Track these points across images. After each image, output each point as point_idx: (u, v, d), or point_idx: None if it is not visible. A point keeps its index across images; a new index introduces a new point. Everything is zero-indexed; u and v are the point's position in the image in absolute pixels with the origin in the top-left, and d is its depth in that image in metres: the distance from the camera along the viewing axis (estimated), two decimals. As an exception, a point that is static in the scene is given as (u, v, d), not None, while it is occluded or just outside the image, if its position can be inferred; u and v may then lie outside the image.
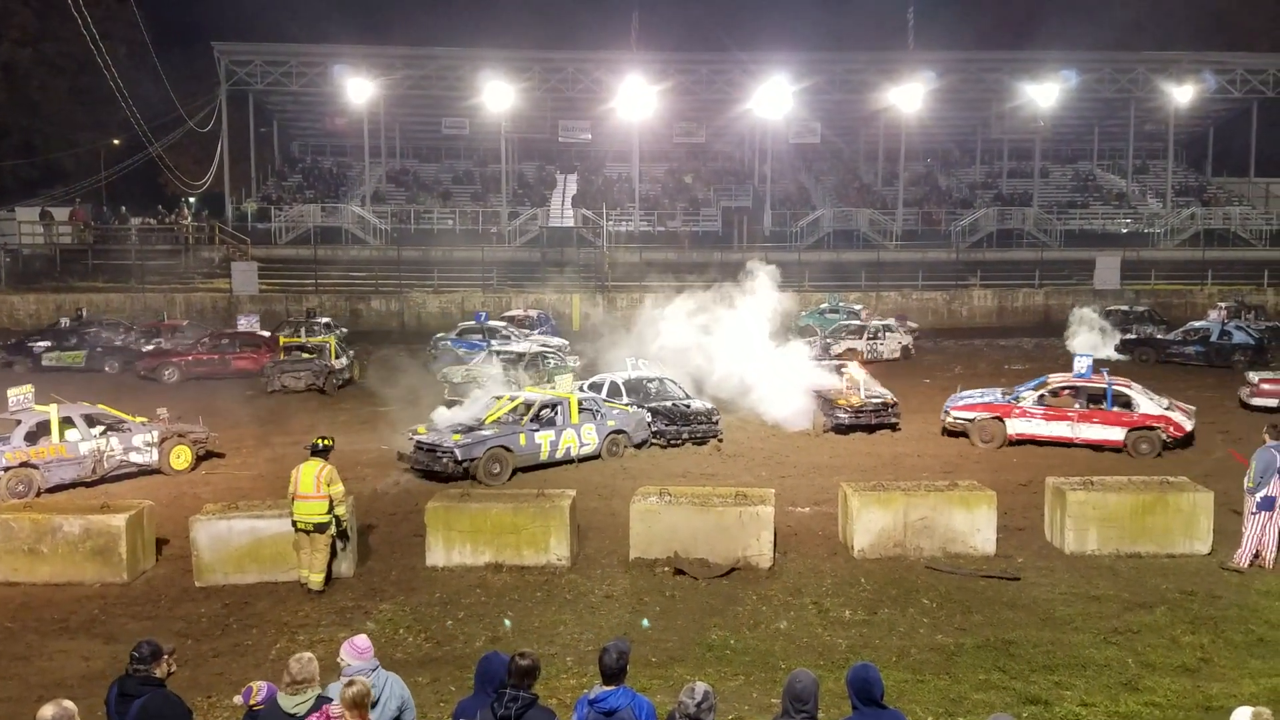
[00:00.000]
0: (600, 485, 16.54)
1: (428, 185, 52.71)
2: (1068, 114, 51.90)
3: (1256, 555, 12.36)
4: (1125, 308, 36.12)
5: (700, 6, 68.22)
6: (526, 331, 31.84)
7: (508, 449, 17.09)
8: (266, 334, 29.89)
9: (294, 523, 11.73)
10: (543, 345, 27.86)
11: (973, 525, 12.96)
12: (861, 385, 21.18)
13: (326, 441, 12.32)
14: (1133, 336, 31.80)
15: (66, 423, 16.45)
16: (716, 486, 14.05)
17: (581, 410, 18.32)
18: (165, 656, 6.27)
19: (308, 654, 6.18)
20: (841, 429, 20.40)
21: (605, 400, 19.53)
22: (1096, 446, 18.84)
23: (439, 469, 16.61)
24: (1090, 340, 31.96)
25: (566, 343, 30.02)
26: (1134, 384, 19.68)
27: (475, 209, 49.05)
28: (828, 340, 30.11)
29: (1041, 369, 22.85)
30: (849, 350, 29.17)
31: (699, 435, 19.80)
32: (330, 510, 11.71)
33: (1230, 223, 49.52)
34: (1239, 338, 29.50)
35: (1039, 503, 14.27)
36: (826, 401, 20.87)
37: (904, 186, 50.43)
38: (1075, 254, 45.24)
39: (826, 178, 54.79)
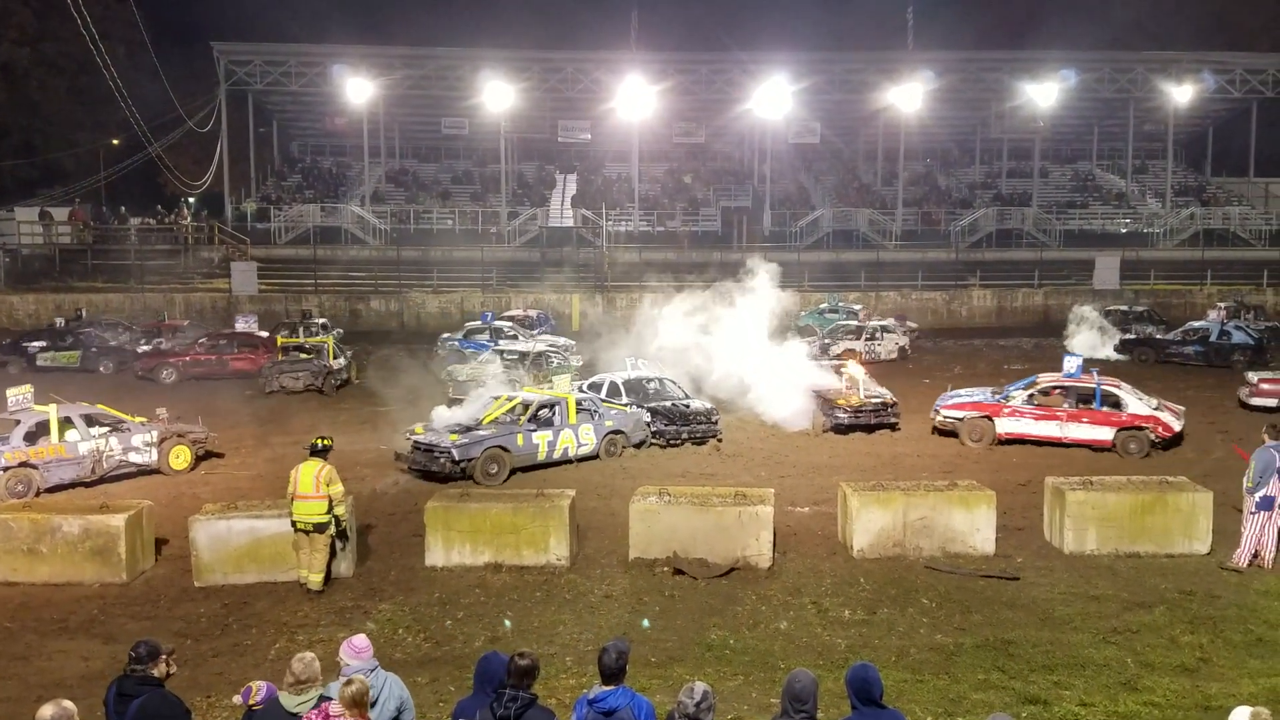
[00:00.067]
0: (600, 485, 16.55)
1: (427, 185, 52.71)
2: (1067, 114, 51.92)
3: (1255, 555, 12.37)
4: (1125, 308, 36.12)
5: (700, 6, 68.32)
6: (533, 331, 31.90)
7: (505, 449, 17.09)
8: (264, 334, 29.89)
9: (293, 523, 11.73)
10: (550, 345, 27.88)
11: (972, 525, 12.97)
12: (861, 385, 21.18)
13: (326, 441, 12.33)
14: (1132, 336, 31.80)
15: (66, 423, 16.45)
16: (716, 486, 14.05)
17: (579, 410, 18.32)
18: (163, 656, 6.28)
19: (310, 654, 6.19)
20: (841, 429, 20.41)
21: (604, 400, 19.54)
22: (1086, 446, 18.89)
23: (436, 469, 16.60)
24: (1090, 340, 31.99)
25: (573, 343, 30.01)
26: (1123, 384, 19.75)
27: (475, 209, 49.06)
28: (826, 341, 30.12)
29: (1041, 369, 22.84)
30: (847, 351, 29.18)
31: (698, 435, 19.80)
32: (329, 510, 11.71)
33: (1229, 223, 49.55)
34: (1238, 338, 29.51)
35: (1038, 502, 14.28)
36: (826, 401, 20.88)
37: (903, 186, 50.45)
38: (1074, 254, 45.25)
39: (826, 178, 54.80)
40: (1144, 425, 18.66)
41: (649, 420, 19.56)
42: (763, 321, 23.99)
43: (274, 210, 47.20)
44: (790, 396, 21.42)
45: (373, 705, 6.05)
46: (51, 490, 16.01)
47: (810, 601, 11.42)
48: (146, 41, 43.80)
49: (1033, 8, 61.65)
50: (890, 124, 49.66)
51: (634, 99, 45.64)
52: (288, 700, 5.98)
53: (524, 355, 25.17)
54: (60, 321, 32.37)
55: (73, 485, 16.33)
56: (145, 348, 29.66)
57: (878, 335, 31.22)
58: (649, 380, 21.23)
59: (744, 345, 23.36)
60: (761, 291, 24.32)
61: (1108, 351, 31.21)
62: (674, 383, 21.45)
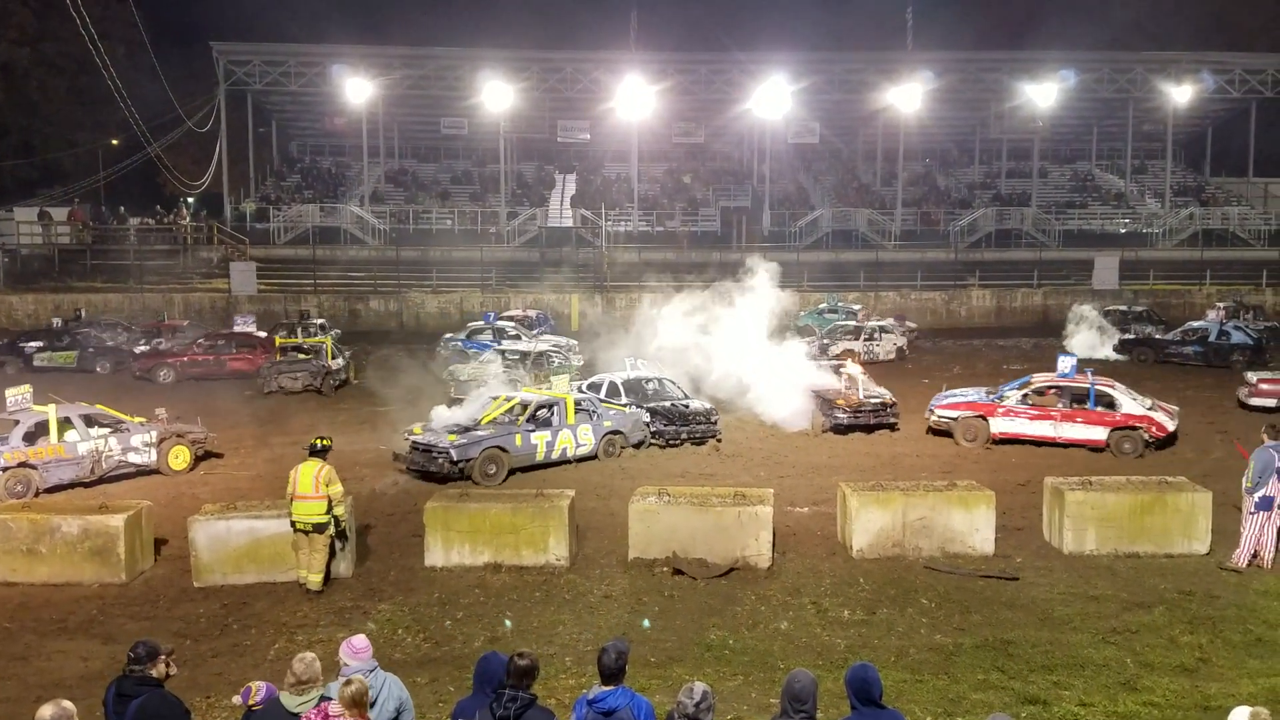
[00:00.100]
0: (599, 485, 16.55)
1: (426, 185, 52.70)
2: (1066, 114, 51.94)
3: (1255, 555, 12.38)
4: (1124, 308, 36.13)
5: (699, 6, 68.33)
6: (536, 331, 31.94)
7: (503, 449, 17.08)
8: (262, 335, 29.90)
9: (293, 523, 11.73)
10: (553, 345, 27.86)
11: (971, 525, 12.97)
12: (860, 385, 21.19)
13: (325, 442, 12.33)
14: (1131, 336, 31.82)
15: (65, 423, 16.45)
16: (715, 486, 14.06)
17: (578, 411, 18.32)
18: (162, 657, 6.28)
19: (311, 654, 6.19)
20: (840, 429, 20.41)
21: (603, 400, 19.54)
22: (1080, 446, 18.93)
23: (434, 469, 16.59)
24: (1089, 340, 32.02)
25: (575, 342, 29.99)
26: (1117, 384, 19.80)
27: (474, 209, 49.05)
28: (824, 341, 30.13)
29: (1040, 369, 22.85)
30: (846, 351, 29.19)
31: (698, 435, 19.80)
32: (329, 510, 11.71)
33: (1229, 223, 49.56)
34: (1237, 338, 29.53)
35: (1037, 503, 14.29)
36: (825, 401, 20.88)
37: (903, 186, 50.46)
38: (1074, 254, 45.26)
39: (825, 178, 54.80)
40: (1138, 425, 18.71)
41: (648, 420, 19.56)
42: (762, 321, 23.99)
43: (273, 210, 47.17)
44: (789, 396, 21.42)
45: (371, 705, 6.05)
46: (51, 490, 16.01)
47: (810, 602, 11.42)
48: (146, 41, 43.84)
49: (1032, 8, 61.77)
50: (889, 124, 49.68)
51: (633, 99, 45.63)
52: (289, 700, 5.98)
53: (525, 355, 25.18)
54: (57, 322, 32.35)
55: (72, 485, 16.33)
56: (142, 348, 29.64)
57: (876, 336, 31.23)
58: (648, 380, 21.23)
59: (743, 345, 23.36)
60: (761, 291, 24.32)
61: (1107, 351, 31.23)
62: (673, 383, 21.45)
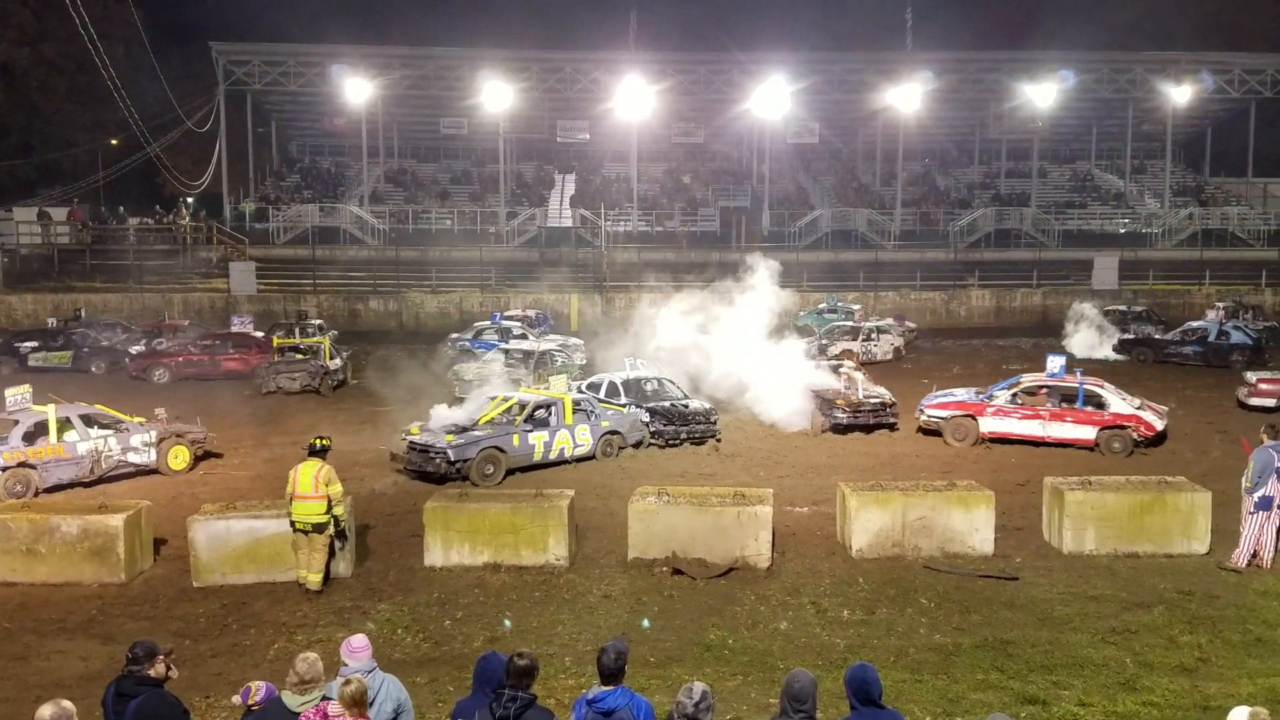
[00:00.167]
0: (598, 485, 16.55)
1: (426, 185, 52.70)
2: (1066, 114, 51.93)
3: (1254, 555, 12.38)
4: (1123, 308, 36.13)
5: (699, 6, 68.27)
6: (540, 331, 31.97)
7: (501, 450, 17.06)
8: (259, 335, 29.89)
9: (292, 523, 11.73)
10: (559, 344, 27.87)
11: (971, 525, 12.98)
12: (859, 385, 21.20)
13: (324, 441, 12.33)
14: (1130, 336, 31.84)
15: (64, 423, 16.44)
16: (715, 486, 14.06)
17: (576, 411, 18.31)
18: (161, 656, 6.28)
19: (313, 654, 6.20)
20: (839, 429, 20.42)
21: (601, 401, 19.53)
22: (1069, 445, 19.00)
23: (431, 470, 16.57)
24: (1089, 339, 32.05)
25: (581, 342, 29.97)
26: (1106, 384, 19.91)
27: (473, 209, 49.04)
28: (823, 341, 30.13)
29: (1039, 369, 22.85)
30: (845, 351, 29.21)
31: (697, 435, 19.80)
32: (329, 510, 11.71)
33: (1228, 223, 49.56)
34: (1237, 338, 29.54)
35: (1037, 503, 14.29)
36: (825, 401, 20.89)
37: (902, 186, 50.48)
38: (1073, 254, 45.27)
39: (824, 178, 54.81)
40: (1126, 424, 18.80)
41: (647, 420, 19.56)
42: (762, 321, 23.99)
43: (272, 210, 47.16)
44: (789, 396, 21.43)
45: (369, 706, 6.05)
46: (50, 490, 16.01)
47: (809, 601, 11.42)
48: (145, 41, 43.84)
49: (1031, 8, 61.79)
50: (889, 124, 49.69)
51: (633, 99, 45.63)
52: (291, 700, 5.99)
53: (528, 354, 25.17)
54: (53, 322, 32.32)
55: (71, 485, 16.33)
56: (138, 348, 29.60)
57: (873, 336, 31.26)
58: (647, 380, 21.23)
59: (743, 345, 23.36)
60: (761, 289, 24.33)
61: (1106, 351, 31.26)
62: (673, 383, 21.45)
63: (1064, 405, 19.36)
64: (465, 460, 16.57)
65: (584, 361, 26.96)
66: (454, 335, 31.96)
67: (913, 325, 36.09)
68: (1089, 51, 50.17)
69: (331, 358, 26.20)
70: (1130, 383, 24.30)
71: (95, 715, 6.73)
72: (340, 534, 12.10)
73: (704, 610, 11.20)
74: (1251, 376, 23.28)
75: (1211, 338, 29.76)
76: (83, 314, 34.32)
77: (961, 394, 20.54)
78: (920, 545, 12.84)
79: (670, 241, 46.46)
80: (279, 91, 49.24)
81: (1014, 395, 19.86)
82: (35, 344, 29.19)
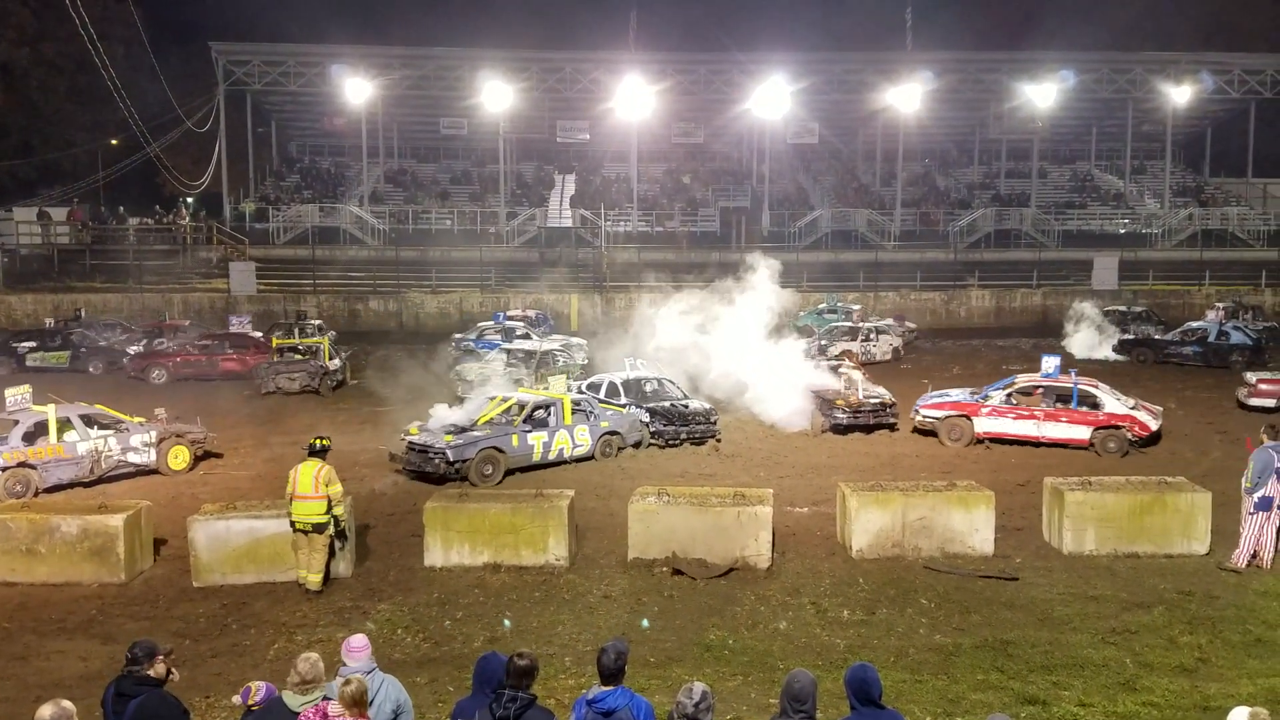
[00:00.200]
0: (599, 485, 16.55)
1: (426, 185, 52.68)
2: (1065, 114, 51.90)
3: (1254, 555, 12.38)
4: (1123, 308, 36.15)
5: (699, 6, 68.21)
6: (544, 330, 31.98)
7: (500, 450, 17.06)
8: (257, 335, 29.87)
9: (292, 523, 11.73)
10: (563, 344, 27.86)
11: (971, 525, 12.98)
12: (859, 385, 21.20)
13: (324, 442, 12.33)
14: (1130, 337, 31.84)
15: (64, 423, 16.44)
16: (715, 487, 14.07)
17: (575, 411, 18.30)
18: (160, 656, 6.28)
19: (315, 654, 6.20)
20: (839, 429, 20.42)
21: (601, 401, 19.52)
22: (1063, 445, 19.02)
23: (430, 470, 16.56)
24: (1089, 339, 32.05)
25: (585, 341, 29.95)
26: (1100, 384, 19.97)
27: (473, 209, 49.03)
28: (823, 342, 30.12)
29: (1038, 369, 22.85)
30: (845, 352, 29.22)
31: (697, 435, 19.80)
32: (329, 510, 11.71)
33: (1228, 223, 49.55)
34: (1237, 338, 29.54)
35: (1037, 503, 14.30)
36: (825, 402, 20.89)
37: (902, 187, 50.47)
38: (1073, 254, 45.27)
39: (824, 178, 54.80)
40: (1120, 424, 18.84)
41: (647, 420, 19.56)
42: (762, 320, 23.98)
43: (272, 210, 47.15)
44: (789, 396, 21.43)
45: (369, 706, 6.05)
46: (50, 490, 16.01)
47: (809, 602, 11.42)
48: (145, 41, 43.81)
49: (1031, 8, 61.79)
50: (889, 124, 49.68)
51: (633, 99, 45.62)
52: (292, 700, 5.99)
53: (530, 354, 25.15)
54: (49, 322, 32.31)
55: (71, 485, 16.33)
56: (135, 348, 29.57)
57: (872, 336, 31.27)
58: (647, 380, 21.23)
59: (742, 345, 23.36)
60: (761, 289, 24.33)
61: (1106, 351, 31.26)
62: (672, 383, 21.44)
63: (1059, 405, 19.41)
64: (464, 460, 16.56)
65: (586, 361, 26.95)
66: (458, 335, 31.94)
67: (913, 325, 36.09)
68: (1089, 51, 50.17)
69: (330, 358, 26.20)
70: (1130, 383, 24.34)
71: (95, 715, 6.72)
72: (340, 534, 12.11)
73: (704, 610, 11.20)
74: (1251, 377, 23.29)
75: (1211, 338, 29.77)
76: (83, 314, 34.29)
77: (956, 394, 20.58)
78: (920, 545, 12.84)
79: (670, 242, 46.46)
80: (279, 91, 49.22)
81: (1009, 395, 19.91)
82: (33, 344, 29.17)
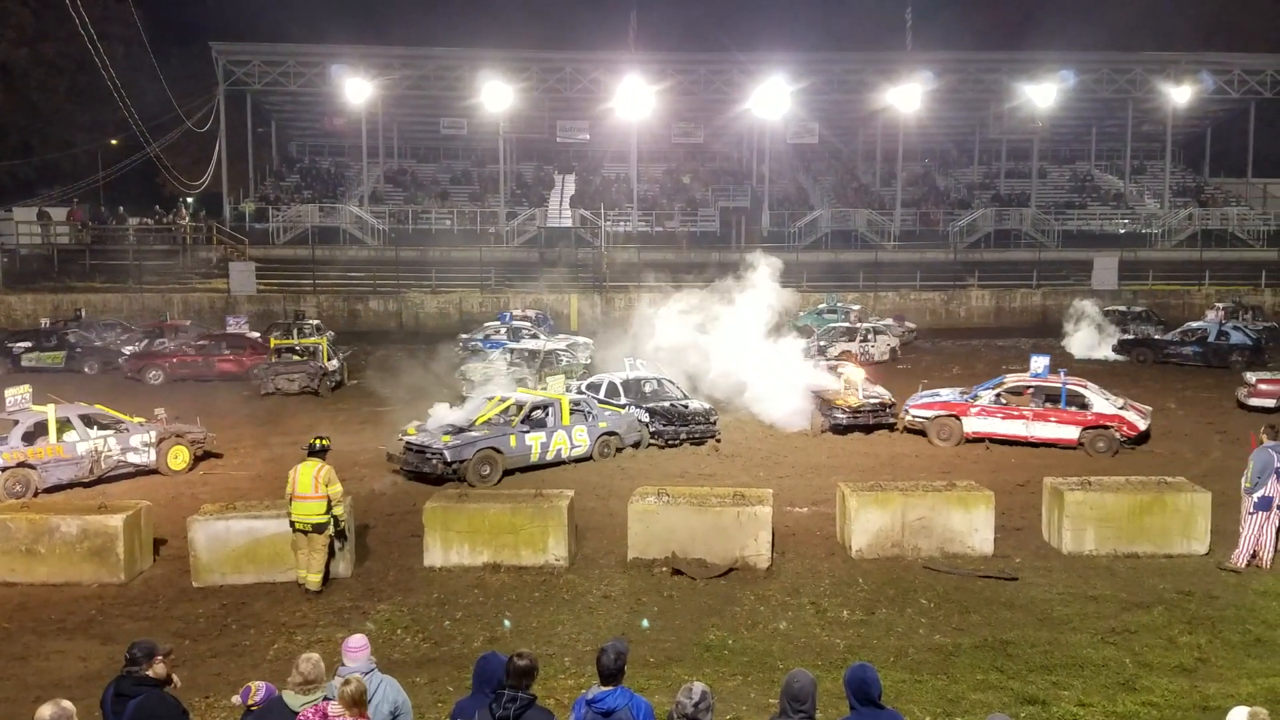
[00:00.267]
0: (598, 485, 16.54)
1: (426, 185, 52.69)
2: (1065, 114, 51.92)
3: (1254, 555, 12.38)
4: (1123, 308, 36.15)
5: (698, 6, 68.18)
6: (548, 330, 31.99)
7: (498, 450, 17.03)
8: (254, 335, 29.84)
9: (292, 523, 11.73)
10: (568, 344, 27.85)
11: (970, 525, 12.98)
12: (859, 385, 21.21)
13: (324, 442, 12.33)
14: (1130, 337, 31.85)
15: (64, 423, 16.44)
16: (714, 487, 14.06)
17: (574, 411, 18.29)
18: (160, 656, 6.28)
19: (316, 655, 6.20)
20: (839, 429, 20.43)
21: (600, 401, 19.51)
22: (1052, 445, 19.06)
23: (428, 470, 16.55)
24: (1089, 340, 32.05)
25: (590, 341, 29.94)
26: (1089, 384, 20.03)
27: (473, 209, 49.04)
28: (822, 342, 30.12)
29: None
30: (844, 352, 29.23)
31: (697, 435, 19.80)
32: (328, 510, 11.71)
33: (1228, 223, 49.57)
34: (1236, 338, 29.55)
35: (1036, 503, 14.29)
36: (824, 402, 20.90)
37: (902, 187, 50.48)
38: (1073, 254, 45.29)
39: (824, 178, 54.80)
40: (1109, 424, 18.87)
41: (646, 420, 19.55)
42: (761, 320, 23.98)
43: (272, 210, 47.15)
44: (788, 396, 21.43)
45: (367, 706, 6.05)
46: (50, 490, 16.00)
47: (809, 602, 11.42)
48: (145, 41, 43.81)
49: (1031, 8, 61.86)
50: (889, 124, 49.69)
51: (632, 99, 45.63)
52: (293, 700, 5.99)
53: (533, 354, 25.15)
54: (45, 322, 32.28)
55: (71, 485, 16.32)
56: (132, 348, 29.54)
57: (870, 336, 31.28)
58: (647, 380, 21.23)
59: (742, 345, 23.35)
60: (761, 288, 24.32)
61: (1106, 351, 31.26)
62: (672, 383, 21.44)
63: (1047, 405, 19.45)
64: (462, 461, 16.55)
65: (590, 361, 26.94)
66: (463, 335, 31.92)
67: (912, 325, 36.10)
68: (1089, 52, 50.18)
69: (329, 358, 26.19)
70: (1130, 383, 24.39)
71: (95, 715, 6.72)
72: (340, 534, 12.10)
73: (704, 610, 11.20)
74: (1251, 377, 23.30)
75: (1211, 338, 29.77)
76: (83, 314, 34.29)
77: (946, 394, 20.61)
78: (920, 545, 12.84)
79: (670, 242, 46.46)
80: (279, 91, 49.23)
81: (998, 395, 19.95)
82: (28, 344, 29.13)
